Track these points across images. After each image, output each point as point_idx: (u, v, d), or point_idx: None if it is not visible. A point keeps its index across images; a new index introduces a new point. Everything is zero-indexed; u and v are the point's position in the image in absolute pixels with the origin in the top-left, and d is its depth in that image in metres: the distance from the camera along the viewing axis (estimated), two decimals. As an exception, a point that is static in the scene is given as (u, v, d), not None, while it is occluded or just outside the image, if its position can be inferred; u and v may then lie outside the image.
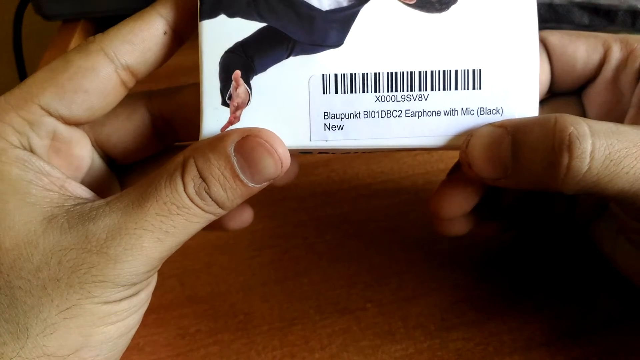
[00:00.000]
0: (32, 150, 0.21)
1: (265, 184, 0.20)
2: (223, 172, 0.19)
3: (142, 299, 0.21)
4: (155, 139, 0.25)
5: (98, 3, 0.47)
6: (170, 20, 0.21)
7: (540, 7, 0.37)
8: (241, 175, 0.20)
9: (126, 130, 0.24)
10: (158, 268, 0.21)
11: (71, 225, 0.19)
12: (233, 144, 0.20)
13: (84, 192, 0.21)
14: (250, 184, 0.20)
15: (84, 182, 0.23)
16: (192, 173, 0.19)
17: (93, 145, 0.24)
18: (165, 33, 0.21)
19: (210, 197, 0.20)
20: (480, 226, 0.26)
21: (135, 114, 0.24)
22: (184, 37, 0.22)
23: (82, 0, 0.47)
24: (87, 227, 0.19)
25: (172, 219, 0.19)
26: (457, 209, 0.24)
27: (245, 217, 0.26)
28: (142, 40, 0.21)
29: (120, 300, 0.20)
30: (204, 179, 0.19)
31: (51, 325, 0.19)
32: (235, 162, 0.20)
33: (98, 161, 0.24)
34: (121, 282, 0.19)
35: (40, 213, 0.19)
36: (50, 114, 0.21)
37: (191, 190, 0.19)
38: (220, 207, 0.20)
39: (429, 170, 0.34)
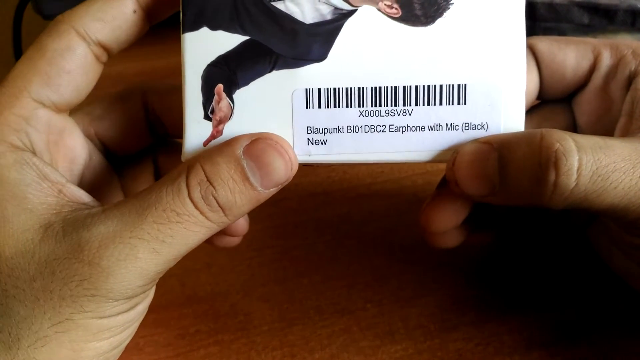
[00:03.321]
0: (32, 147, 0.20)
1: (273, 191, 0.20)
2: (232, 175, 0.19)
3: (139, 313, 0.21)
4: (149, 131, 0.26)
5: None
6: None
7: (540, 6, 0.37)
8: (251, 179, 0.19)
9: (124, 123, 0.24)
10: (156, 281, 0.20)
11: (66, 233, 0.19)
12: (242, 147, 0.19)
13: (83, 196, 0.20)
14: (260, 189, 0.19)
15: (83, 177, 0.23)
16: (198, 177, 0.19)
17: (92, 140, 0.24)
18: (134, 12, 0.21)
19: (217, 202, 0.19)
20: (473, 236, 0.25)
21: (132, 109, 0.25)
22: (154, 16, 0.22)
23: (81, 0, 0.47)
24: (80, 235, 0.19)
25: (170, 227, 0.19)
26: (447, 223, 0.23)
27: (240, 226, 0.25)
28: (112, 18, 0.21)
29: (116, 315, 0.19)
30: (211, 182, 0.19)
31: (43, 337, 0.18)
32: (245, 165, 0.19)
33: (96, 155, 0.24)
34: (115, 297, 0.19)
35: (37, 220, 0.19)
36: (43, 104, 0.21)
37: (197, 195, 0.19)
38: (225, 214, 0.19)
39: (429, 170, 0.34)
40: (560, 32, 0.38)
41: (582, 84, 0.24)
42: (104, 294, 0.18)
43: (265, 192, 0.20)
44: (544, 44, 0.23)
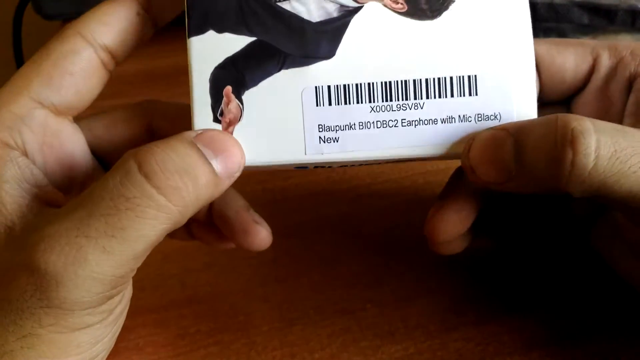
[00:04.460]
0: (24, 146, 0.20)
1: (227, 183, 0.19)
2: (188, 152, 0.18)
3: (109, 325, 0.19)
4: None
5: (97, 3, 0.47)
6: (142, 1, 0.22)
7: (540, 6, 0.37)
8: (209, 159, 0.18)
9: (123, 144, 0.24)
10: (120, 287, 0.18)
11: (22, 237, 0.17)
12: (192, 136, 0.19)
13: (61, 201, 0.19)
14: (218, 171, 0.18)
15: (85, 188, 0.23)
16: (149, 152, 0.17)
17: (95, 153, 0.24)
18: (138, 14, 0.22)
19: (177, 174, 0.17)
20: (476, 241, 0.25)
21: (134, 130, 0.24)
22: (158, 19, 0.22)
23: (82, 0, 0.47)
24: (32, 239, 0.17)
25: (119, 218, 0.16)
26: (453, 232, 0.23)
27: (262, 235, 0.25)
28: (116, 20, 0.21)
29: (83, 328, 0.17)
30: (167, 154, 0.17)
31: (9, 352, 0.17)
32: (200, 147, 0.18)
33: (100, 170, 0.24)
34: (71, 307, 0.17)
35: (3, 224, 0.18)
36: (42, 104, 0.21)
37: (149, 168, 0.17)
38: (187, 191, 0.17)
39: (429, 169, 0.34)
40: (560, 32, 0.38)
41: (581, 86, 0.24)
42: (58, 305, 0.16)
43: (222, 180, 0.18)
44: (542, 47, 0.23)
